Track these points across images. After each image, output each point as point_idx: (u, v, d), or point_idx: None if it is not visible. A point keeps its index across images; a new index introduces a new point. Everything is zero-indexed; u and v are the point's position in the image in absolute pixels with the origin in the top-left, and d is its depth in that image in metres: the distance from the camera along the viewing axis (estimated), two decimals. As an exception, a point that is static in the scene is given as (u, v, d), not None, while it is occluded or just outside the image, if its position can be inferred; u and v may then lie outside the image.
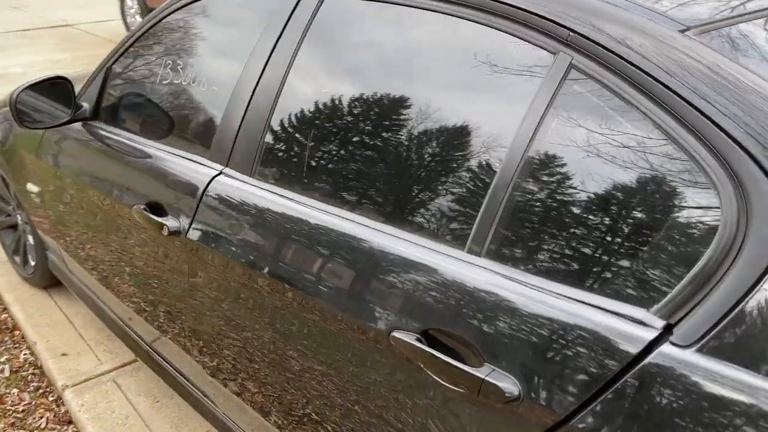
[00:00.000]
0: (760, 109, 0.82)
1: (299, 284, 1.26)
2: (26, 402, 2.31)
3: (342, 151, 1.28)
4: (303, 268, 1.26)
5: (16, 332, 2.69)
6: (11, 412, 2.27)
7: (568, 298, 0.91)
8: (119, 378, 2.35)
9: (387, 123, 1.21)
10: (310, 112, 1.35)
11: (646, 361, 0.82)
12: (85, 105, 2.00)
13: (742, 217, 0.81)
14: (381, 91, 1.23)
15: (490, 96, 1.08)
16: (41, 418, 2.24)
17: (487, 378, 0.95)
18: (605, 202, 0.91)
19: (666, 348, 0.82)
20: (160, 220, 1.57)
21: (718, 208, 0.83)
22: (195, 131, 1.63)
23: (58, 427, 2.20)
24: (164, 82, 1.75)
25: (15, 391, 2.36)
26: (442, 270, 1.04)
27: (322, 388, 1.28)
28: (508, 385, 0.94)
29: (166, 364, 1.90)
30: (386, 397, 1.14)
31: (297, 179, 1.35)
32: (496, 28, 1.07)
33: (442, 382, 1.02)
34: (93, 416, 2.17)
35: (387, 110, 1.22)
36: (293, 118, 1.38)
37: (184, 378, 1.83)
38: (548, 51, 1.00)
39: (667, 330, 0.84)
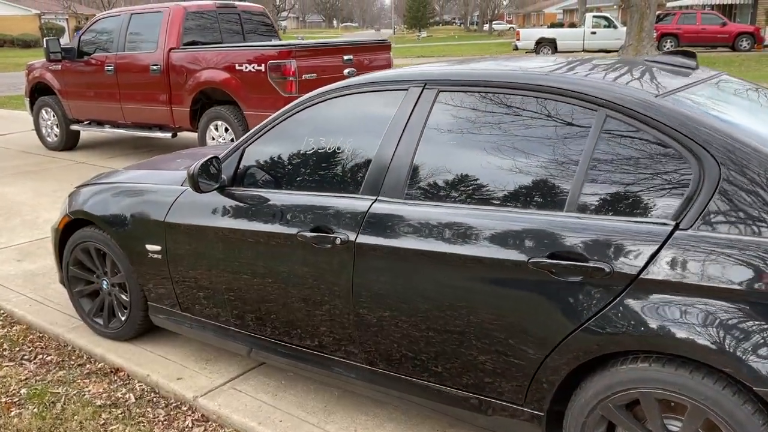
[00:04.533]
0: (702, 125, 1.92)
1: (452, 251, 2.18)
2: (164, 414, 2.92)
3: (459, 177, 2.26)
4: (450, 241, 2.19)
5: (121, 373, 3.26)
6: (156, 421, 2.87)
7: (635, 222, 1.93)
8: (236, 386, 3.03)
9: (479, 165, 2.22)
10: (435, 161, 2.32)
11: (673, 236, 1.86)
12: (224, 176, 2.82)
13: (701, 173, 1.88)
14: (475, 145, 2.24)
15: (560, 136, 2.12)
16: (184, 421, 2.87)
17: (594, 264, 1.93)
18: (650, 176, 1.95)
19: (678, 231, 1.87)
20: (332, 235, 2.43)
21: (690, 170, 1.90)
22: (341, 180, 2.52)
23: (204, 424, 2.84)
24: (308, 152, 2.64)
25: (149, 409, 2.96)
26: (545, 223, 2.03)
27: (479, 327, 2.19)
28: (604, 266, 1.93)
29: (307, 352, 2.68)
30: (528, 305, 2.07)
31: (433, 197, 2.30)
32: (564, 101, 2.13)
33: (566, 278, 1.98)
34: (232, 410, 2.84)
35: (477, 156, 2.23)
36: (425, 164, 2.34)
37: (326, 357, 2.62)
38: (592, 110, 2.08)
39: (677, 225, 1.88)
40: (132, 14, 8.31)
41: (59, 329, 3.65)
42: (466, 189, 2.25)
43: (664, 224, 1.90)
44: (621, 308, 1.91)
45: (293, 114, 2.74)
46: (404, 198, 2.36)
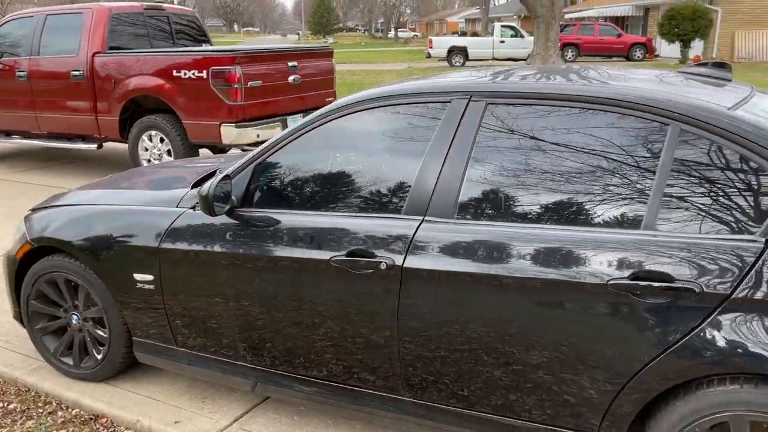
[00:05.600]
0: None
1: (519, 274, 2.04)
2: (165, 465, 2.60)
3: (518, 194, 2.13)
4: (516, 263, 2.05)
5: (102, 419, 2.88)
6: (159, 474, 2.54)
7: (722, 239, 1.86)
8: (245, 426, 2.74)
9: (541, 180, 2.10)
10: (490, 177, 2.18)
11: (766, 252, 1.80)
12: (233, 197, 2.54)
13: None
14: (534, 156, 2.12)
15: (628, 151, 2.03)
16: (192, 471, 2.55)
17: (682, 285, 1.85)
18: (733, 192, 1.89)
19: (768, 248, 1.82)
20: (375, 260, 2.22)
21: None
22: (378, 200, 2.32)
23: (217, 473, 2.54)
24: (335, 170, 2.42)
25: (146, 460, 2.62)
26: (624, 242, 1.94)
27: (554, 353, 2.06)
28: (693, 286, 1.85)
29: (339, 385, 2.45)
30: (606, 329, 1.96)
31: (491, 216, 2.15)
32: (631, 114, 2.04)
33: (650, 300, 1.89)
34: (248, 455, 2.56)
35: (534, 172, 2.11)
36: (480, 180, 2.19)
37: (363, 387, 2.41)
38: (663, 123, 2.00)
39: (767, 242, 1.83)
40: (48, 15, 7.64)
41: (16, 372, 3.20)
42: (526, 207, 2.11)
43: (754, 241, 1.84)
44: (712, 329, 1.84)
45: (315, 128, 2.50)
46: (455, 217, 2.20)
